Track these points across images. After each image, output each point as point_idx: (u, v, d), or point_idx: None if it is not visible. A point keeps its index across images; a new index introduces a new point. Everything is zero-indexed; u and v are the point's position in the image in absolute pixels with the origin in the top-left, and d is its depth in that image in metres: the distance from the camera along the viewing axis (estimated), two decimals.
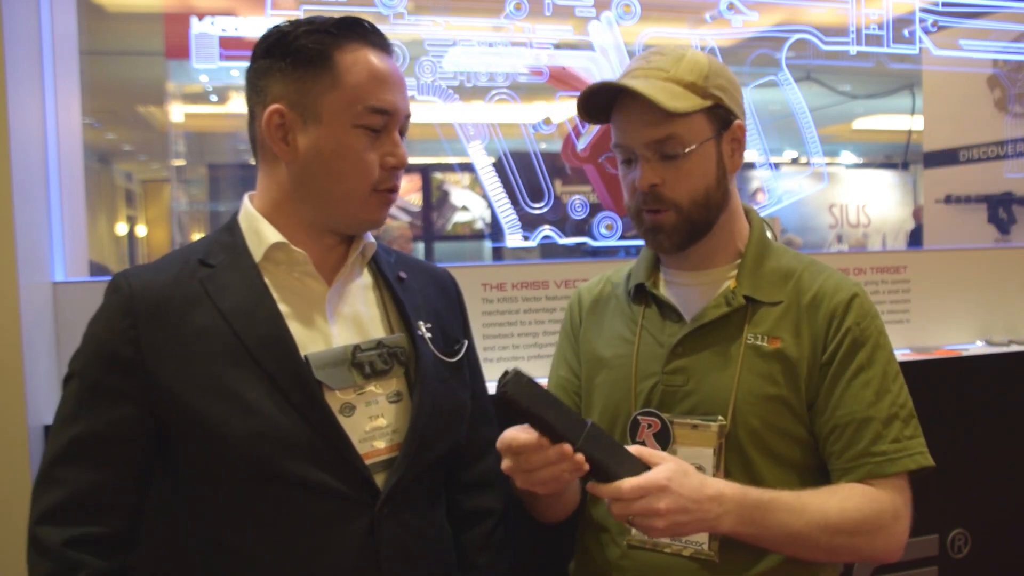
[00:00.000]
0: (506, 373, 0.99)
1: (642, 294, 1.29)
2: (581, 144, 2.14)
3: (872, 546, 1.12)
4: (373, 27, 1.09)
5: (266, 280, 1.08)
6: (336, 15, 1.09)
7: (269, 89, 1.06)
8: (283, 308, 1.07)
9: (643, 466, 1.04)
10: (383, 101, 1.06)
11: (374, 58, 1.07)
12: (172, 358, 1.02)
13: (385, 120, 1.07)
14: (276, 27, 1.08)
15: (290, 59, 1.05)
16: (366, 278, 1.18)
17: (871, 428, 1.16)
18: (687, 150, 1.17)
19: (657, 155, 1.18)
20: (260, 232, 1.09)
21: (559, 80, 2.11)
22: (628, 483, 1.01)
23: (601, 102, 1.22)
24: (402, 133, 1.12)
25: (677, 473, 1.03)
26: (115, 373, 1.02)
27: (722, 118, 1.20)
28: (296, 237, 1.09)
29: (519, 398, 0.99)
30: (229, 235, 1.11)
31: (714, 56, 1.23)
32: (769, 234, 1.32)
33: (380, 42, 1.09)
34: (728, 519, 1.06)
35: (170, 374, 1.01)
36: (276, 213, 1.10)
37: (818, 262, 1.28)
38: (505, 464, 1.05)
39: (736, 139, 1.22)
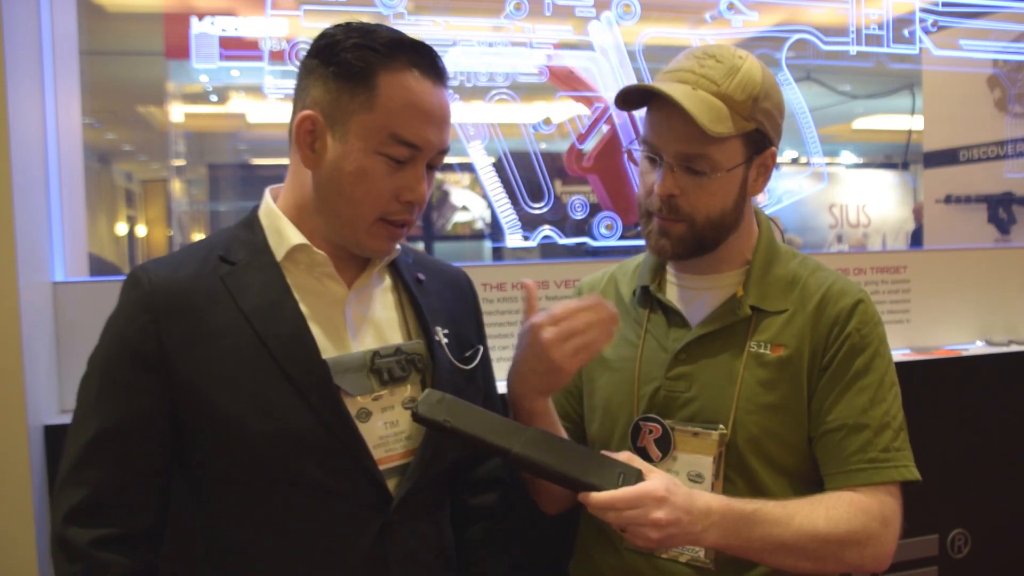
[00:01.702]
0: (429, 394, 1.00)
1: (648, 296, 1.28)
2: (586, 150, 2.15)
3: (861, 556, 1.10)
4: (430, 52, 1.05)
5: (287, 280, 1.06)
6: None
7: (310, 91, 1.04)
8: (303, 309, 1.06)
9: (609, 464, 1.02)
10: (413, 135, 1.02)
11: (419, 87, 1.02)
12: (193, 354, 1.01)
13: (412, 153, 1.03)
14: (333, 28, 1.05)
15: (333, 68, 1.01)
16: (385, 280, 1.17)
17: (862, 435, 1.14)
18: (716, 174, 1.14)
19: (682, 167, 1.15)
20: (282, 232, 1.07)
21: (559, 80, 2.11)
22: (625, 492, 0.98)
23: (639, 92, 1.18)
24: (433, 167, 1.08)
25: (671, 483, 1.01)
26: (135, 368, 1.01)
27: (758, 143, 1.17)
28: (316, 240, 1.08)
29: (431, 415, 0.99)
30: (250, 232, 1.09)
31: (767, 69, 1.18)
32: (776, 234, 1.31)
33: (432, 71, 1.04)
34: (713, 532, 1.04)
35: (191, 370, 1.00)
36: (299, 214, 1.08)
37: (825, 267, 1.26)
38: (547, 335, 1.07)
39: (765, 165, 1.20)
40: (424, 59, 1.03)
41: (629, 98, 1.19)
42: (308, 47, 1.08)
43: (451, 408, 1.00)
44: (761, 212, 1.30)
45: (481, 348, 1.23)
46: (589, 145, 2.15)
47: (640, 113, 1.23)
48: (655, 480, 1.01)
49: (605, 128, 2.16)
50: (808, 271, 1.24)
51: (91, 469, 1.00)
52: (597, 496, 0.98)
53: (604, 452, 1.04)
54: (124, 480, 1.01)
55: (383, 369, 1.08)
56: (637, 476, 1.01)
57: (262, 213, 1.11)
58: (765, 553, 1.08)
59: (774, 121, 1.18)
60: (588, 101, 2.15)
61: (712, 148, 1.13)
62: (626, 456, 1.04)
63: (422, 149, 1.03)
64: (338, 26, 1.05)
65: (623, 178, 2.15)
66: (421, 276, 1.19)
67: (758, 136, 1.16)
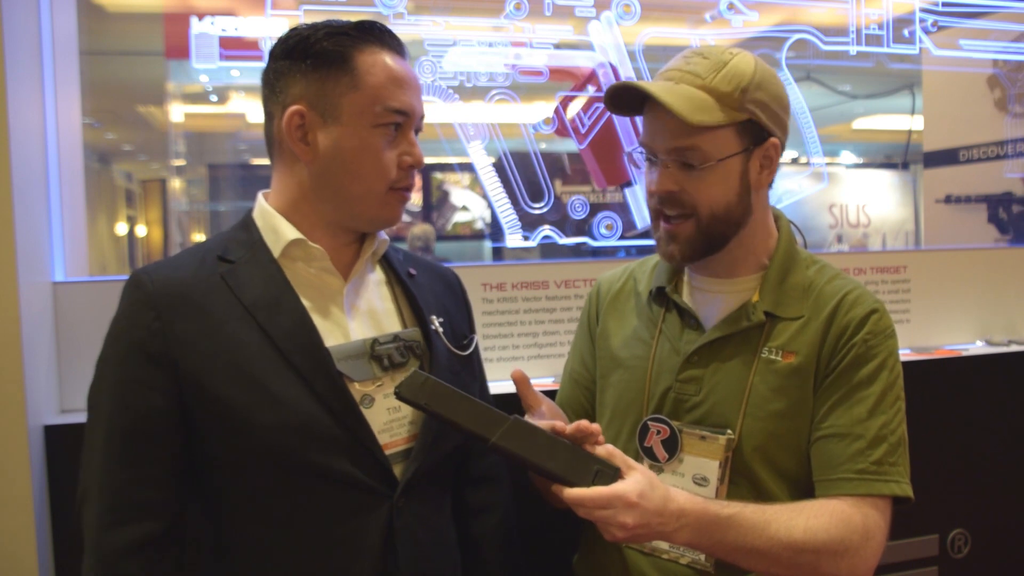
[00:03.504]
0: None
1: (664, 296, 1.28)
2: (568, 115, 2.14)
3: (837, 567, 1.07)
4: (389, 30, 1.11)
5: (286, 275, 1.09)
6: (339, 15, 1.10)
7: (289, 90, 1.08)
8: (304, 302, 1.09)
9: (588, 460, 1.00)
10: (401, 102, 1.08)
11: (391, 61, 1.09)
12: (198, 350, 1.03)
13: (402, 120, 1.09)
14: (295, 30, 1.10)
15: (310, 61, 1.07)
16: (379, 274, 1.21)
17: (855, 445, 1.12)
18: (706, 164, 1.14)
19: (677, 163, 1.15)
20: (277, 229, 1.11)
21: (560, 77, 2.11)
22: (596, 492, 0.97)
23: (632, 97, 1.19)
24: (417, 132, 1.14)
25: (646, 487, 0.99)
26: (144, 367, 1.03)
27: (755, 134, 1.16)
28: (313, 234, 1.11)
29: (413, 397, 1.00)
30: (245, 232, 1.13)
31: (765, 65, 1.18)
32: (798, 237, 1.30)
33: (396, 45, 1.12)
34: (685, 532, 1.02)
35: (196, 366, 1.02)
36: (293, 211, 1.11)
37: (844, 275, 1.25)
38: None
39: (768, 156, 1.18)
40: (387, 36, 1.11)
41: (616, 101, 1.20)
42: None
43: (434, 391, 1.01)
44: (783, 216, 1.29)
45: (475, 336, 1.27)
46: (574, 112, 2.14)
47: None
48: (629, 482, 0.99)
49: (592, 89, 2.15)
50: (825, 279, 1.23)
51: (108, 471, 1.01)
52: (569, 491, 0.98)
53: (585, 447, 1.02)
54: (141, 479, 1.02)
55: (383, 355, 1.12)
56: (614, 474, 1.00)
57: (256, 214, 1.14)
58: (738, 557, 1.06)
59: (771, 112, 1.17)
60: (588, 102, 2.15)
61: (700, 139, 1.13)
62: (607, 451, 1.02)
63: (410, 115, 1.10)
64: (294, 29, 1.10)
65: (611, 142, 2.14)
66: (412, 271, 1.23)
67: (753, 127, 1.16)
